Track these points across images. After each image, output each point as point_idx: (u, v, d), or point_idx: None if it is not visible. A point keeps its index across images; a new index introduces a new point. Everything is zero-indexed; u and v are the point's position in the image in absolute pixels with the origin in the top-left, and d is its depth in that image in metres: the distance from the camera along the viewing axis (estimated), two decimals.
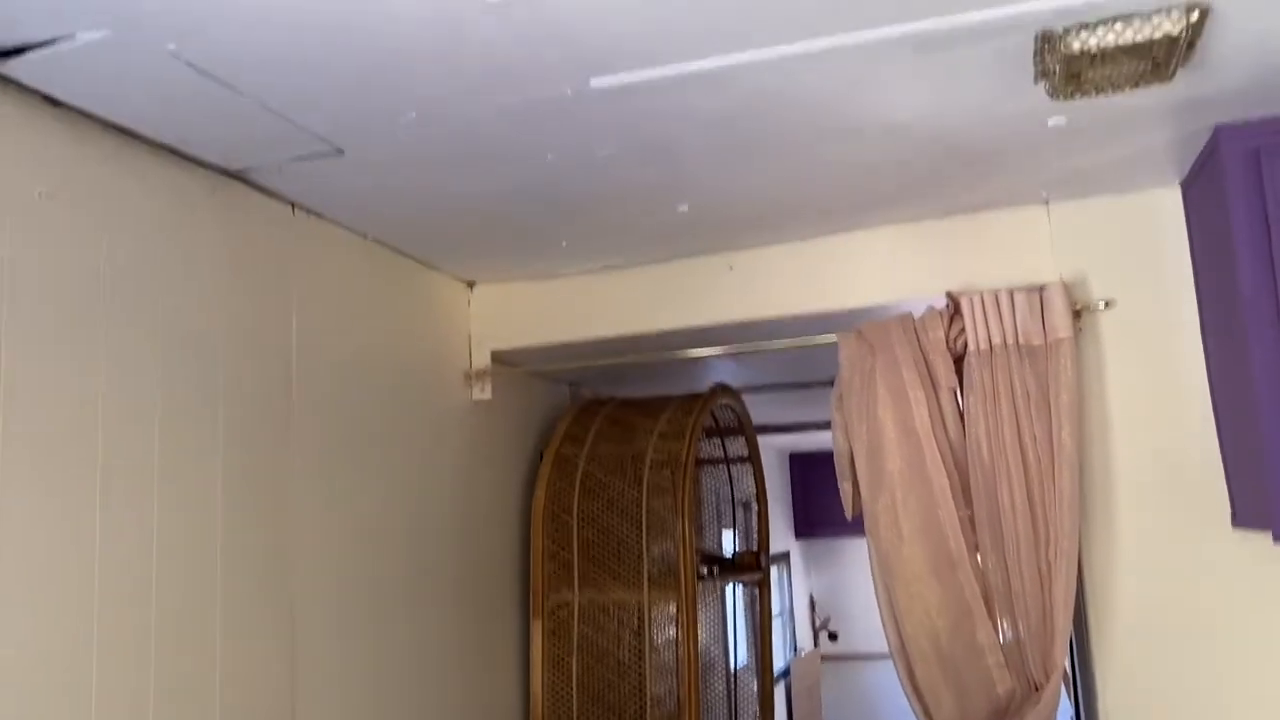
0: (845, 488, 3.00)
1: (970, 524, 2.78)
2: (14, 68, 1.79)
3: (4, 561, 1.75)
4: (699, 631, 3.55)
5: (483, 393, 3.44)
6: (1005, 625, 2.74)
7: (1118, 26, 1.81)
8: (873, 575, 2.91)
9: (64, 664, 1.85)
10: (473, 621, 3.35)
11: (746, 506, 4.84)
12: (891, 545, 2.84)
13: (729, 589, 4.36)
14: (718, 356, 3.44)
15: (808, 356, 3.96)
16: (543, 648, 3.56)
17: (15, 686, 1.75)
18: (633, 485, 3.64)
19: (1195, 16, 1.79)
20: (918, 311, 2.96)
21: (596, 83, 1.98)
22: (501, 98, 2.03)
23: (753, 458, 4.43)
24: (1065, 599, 2.64)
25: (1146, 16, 1.80)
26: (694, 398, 3.88)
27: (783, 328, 3.27)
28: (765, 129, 2.26)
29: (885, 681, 8.51)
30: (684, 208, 2.76)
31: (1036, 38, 1.87)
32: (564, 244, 3.06)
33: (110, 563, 1.96)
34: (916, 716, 2.79)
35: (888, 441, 2.85)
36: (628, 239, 3.03)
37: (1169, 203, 2.82)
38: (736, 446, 4.48)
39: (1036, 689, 2.68)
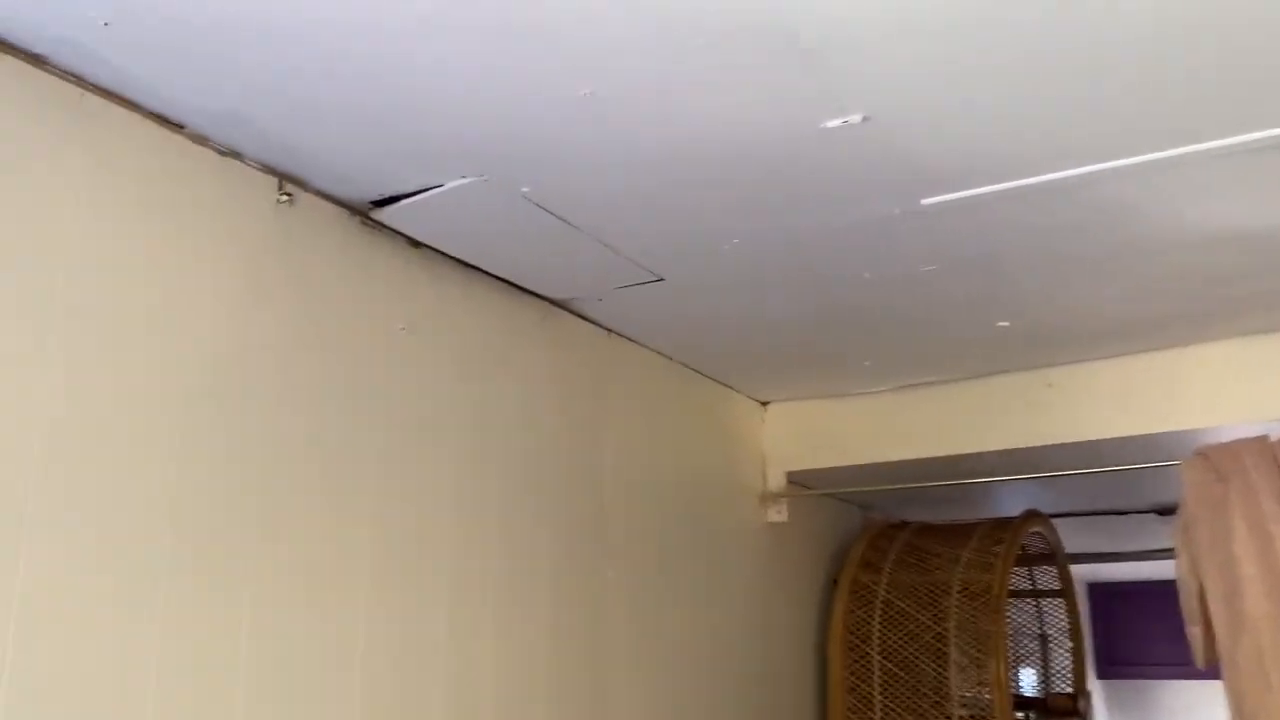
0: (1194, 631, 2.67)
1: None
2: (387, 215, 1.97)
3: (351, 667, 1.83)
4: None
5: (779, 515, 3.37)
6: None
7: None
8: None
9: None
10: None
11: (1044, 641, 4.45)
12: (1257, 697, 2.48)
13: None
14: (1036, 479, 3.22)
15: (1121, 482, 3.64)
16: None
17: None
18: (937, 618, 3.42)
19: None
20: (1273, 434, 2.64)
21: (928, 201, 1.94)
22: (827, 219, 2.02)
23: (1065, 590, 4.08)
24: None
25: None
26: (1002, 524, 3.63)
27: (1101, 449, 3.02)
28: (1107, 240, 2.12)
29: None
30: (1004, 323, 2.63)
31: None
32: (867, 363, 2.99)
33: (446, 675, 2.02)
34: None
35: (1246, 580, 2.52)
36: (937, 356, 2.92)
37: None
38: (1044, 577, 4.14)
39: None
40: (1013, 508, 3.85)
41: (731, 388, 3.30)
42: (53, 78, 1.49)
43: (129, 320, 1.54)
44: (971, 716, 3.26)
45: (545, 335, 2.46)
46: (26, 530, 1.37)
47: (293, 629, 1.73)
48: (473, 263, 2.22)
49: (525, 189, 1.88)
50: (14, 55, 1.44)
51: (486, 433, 2.23)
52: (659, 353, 2.92)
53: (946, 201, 1.94)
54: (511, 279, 2.32)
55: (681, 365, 3.03)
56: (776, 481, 3.39)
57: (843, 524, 3.97)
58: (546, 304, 2.47)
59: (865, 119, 1.63)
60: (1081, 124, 1.66)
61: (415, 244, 2.09)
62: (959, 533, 3.66)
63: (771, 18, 1.37)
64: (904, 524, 3.86)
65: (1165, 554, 4.48)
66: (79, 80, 1.51)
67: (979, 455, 3.15)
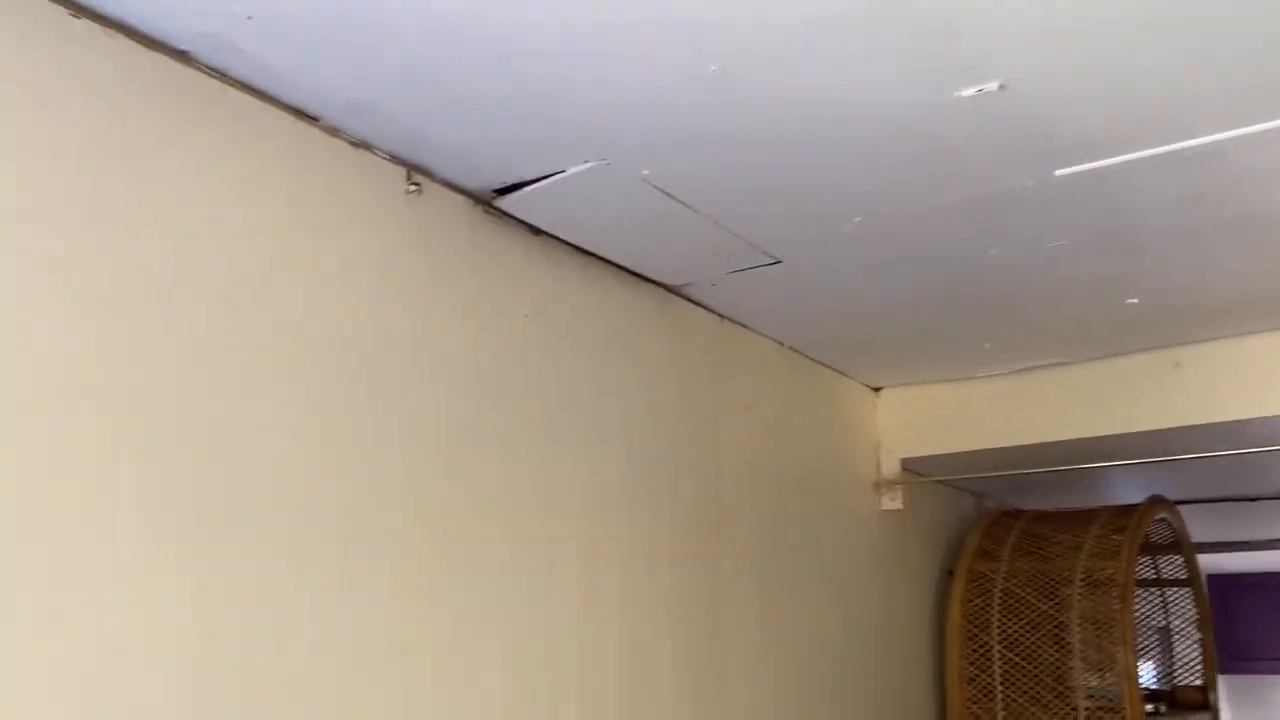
0: None
1: None
2: (509, 202, 1.98)
3: (485, 649, 1.85)
4: None
5: (894, 502, 3.31)
6: None
7: None
8: None
9: None
10: None
11: (1166, 633, 4.29)
12: None
13: None
14: (1163, 463, 3.10)
15: (1249, 466, 3.50)
16: None
17: None
18: (1059, 607, 3.32)
19: None
20: None
21: (1061, 172, 1.87)
22: (955, 194, 1.97)
23: (1192, 579, 3.92)
24: None
25: None
26: (1124, 511, 3.51)
27: (1229, 432, 2.89)
28: (1242, 210, 2.02)
29: None
30: (1133, 300, 2.53)
31: None
32: (987, 345, 2.92)
33: (578, 657, 2.03)
34: None
35: None
36: (1061, 337, 2.83)
37: None
38: (1169, 567, 4.00)
39: None
40: (1130, 495, 3.71)
41: (843, 373, 3.25)
42: (197, 73, 1.53)
43: (273, 311, 1.58)
44: (1098, 708, 3.16)
45: (662, 322, 2.45)
46: (197, 529, 1.41)
47: (433, 608, 1.75)
48: (591, 249, 2.22)
49: (646, 172, 1.87)
50: (160, 51, 1.49)
51: (607, 419, 2.23)
52: (771, 338, 2.89)
53: (1080, 172, 1.87)
54: (628, 265, 2.32)
55: (792, 351, 2.99)
56: (891, 468, 3.33)
57: (956, 512, 3.89)
58: (662, 290, 2.46)
59: (1001, 87, 1.58)
60: (1218, 90, 1.59)
61: (535, 231, 2.10)
62: (1079, 520, 3.54)
63: None
64: (1020, 512, 3.76)
65: None
66: (220, 75, 1.55)
67: (1101, 439, 3.04)
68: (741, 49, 1.48)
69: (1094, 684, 3.23)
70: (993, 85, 1.58)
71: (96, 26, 1.41)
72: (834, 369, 3.20)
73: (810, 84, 1.58)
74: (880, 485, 3.33)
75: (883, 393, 3.41)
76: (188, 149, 1.51)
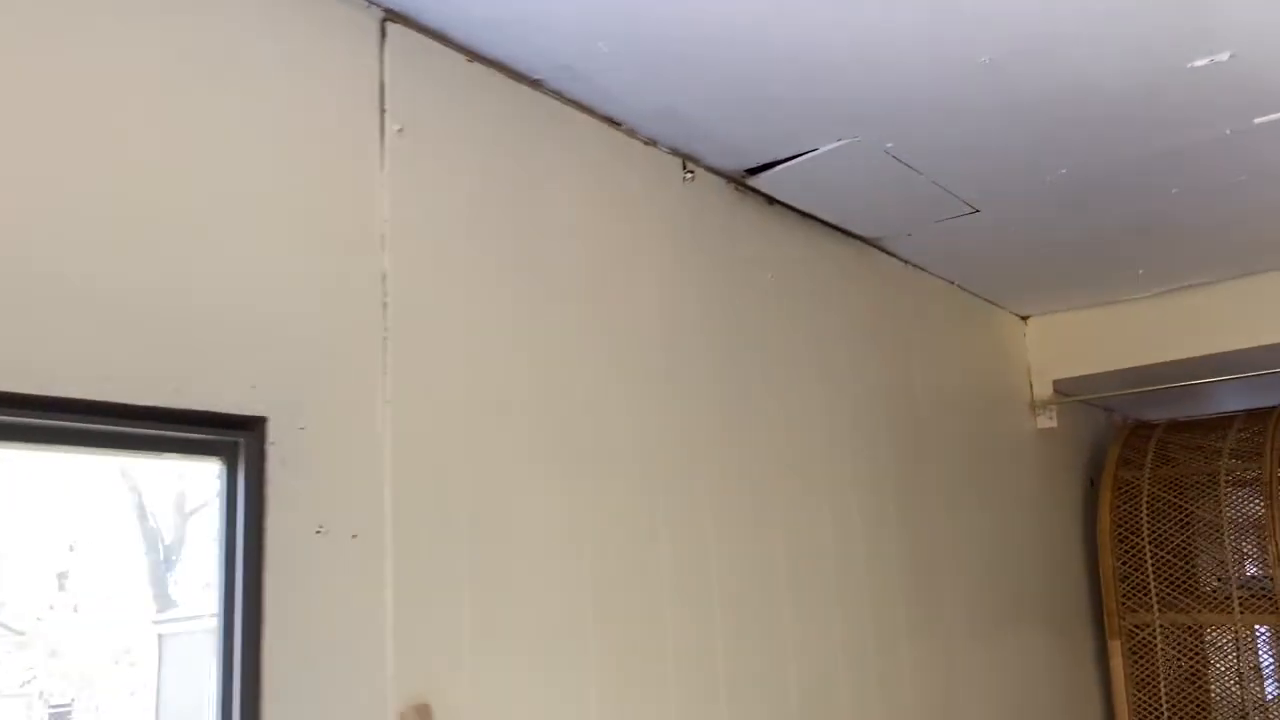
0: None
1: None
2: (760, 180, 2.25)
3: (776, 552, 2.17)
4: None
5: (1049, 420, 3.58)
6: None
7: None
8: None
9: (762, 632, 2.25)
10: (1057, 639, 3.48)
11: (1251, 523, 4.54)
12: None
13: None
14: None
15: None
16: (1124, 669, 3.60)
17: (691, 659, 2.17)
18: (1206, 507, 3.60)
19: None
20: None
21: (1260, 120, 2.10)
22: (1159, 143, 2.21)
23: None
24: None
25: None
26: (1258, 415, 3.75)
27: None
28: None
29: None
30: None
31: None
32: (1141, 271, 3.15)
33: (835, 556, 2.35)
34: None
35: None
36: (1211, 259, 3.06)
37: None
38: None
39: None
40: (1247, 403, 3.95)
41: (996, 304, 3.50)
42: (546, 97, 1.81)
43: (602, 294, 1.88)
44: (1251, 595, 3.44)
45: (861, 270, 2.72)
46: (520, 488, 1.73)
47: (738, 522, 2.07)
48: (814, 213, 2.49)
49: (889, 145, 2.13)
50: (516, 79, 1.76)
51: (829, 362, 2.51)
52: (941, 278, 3.15)
53: (1275, 120, 2.11)
54: (838, 223, 2.59)
55: (956, 287, 3.25)
56: (1044, 391, 3.59)
57: (1092, 427, 4.15)
58: (860, 242, 2.72)
59: (1232, 56, 1.82)
60: None
61: (771, 201, 2.37)
62: (1214, 426, 3.79)
63: None
64: (1154, 423, 4.01)
65: None
66: (559, 96, 1.83)
67: (1230, 354, 3.28)
68: (1008, 37, 1.73)
69: (1249, 573, 3.51)
70: (1224, 56, 1.82)
71: (484, 68, 1.70)
72: (991, 301, 3.45)
73: (1070, 66, 1.82)
74: (1035, 405, 3.59)
75: (1030, 321, 3.66)
76: (549, 163, 1.80)
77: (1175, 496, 3.68)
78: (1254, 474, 3.54)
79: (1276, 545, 3.40)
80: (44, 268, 1.14)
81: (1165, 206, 2.60)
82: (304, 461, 1.34)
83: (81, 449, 1.19)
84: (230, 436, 1.28)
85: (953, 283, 3.21)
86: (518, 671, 1.56)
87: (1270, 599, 3.40)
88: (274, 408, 1.32)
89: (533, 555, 1.61)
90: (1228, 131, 2.15)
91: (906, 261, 2.94)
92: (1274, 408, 3.77)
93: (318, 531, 1.34)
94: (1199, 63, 1.83)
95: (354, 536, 1.38)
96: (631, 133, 2.00)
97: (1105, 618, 3.66)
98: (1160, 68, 1.85)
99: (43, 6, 1.19)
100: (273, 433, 1.31)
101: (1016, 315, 3.64)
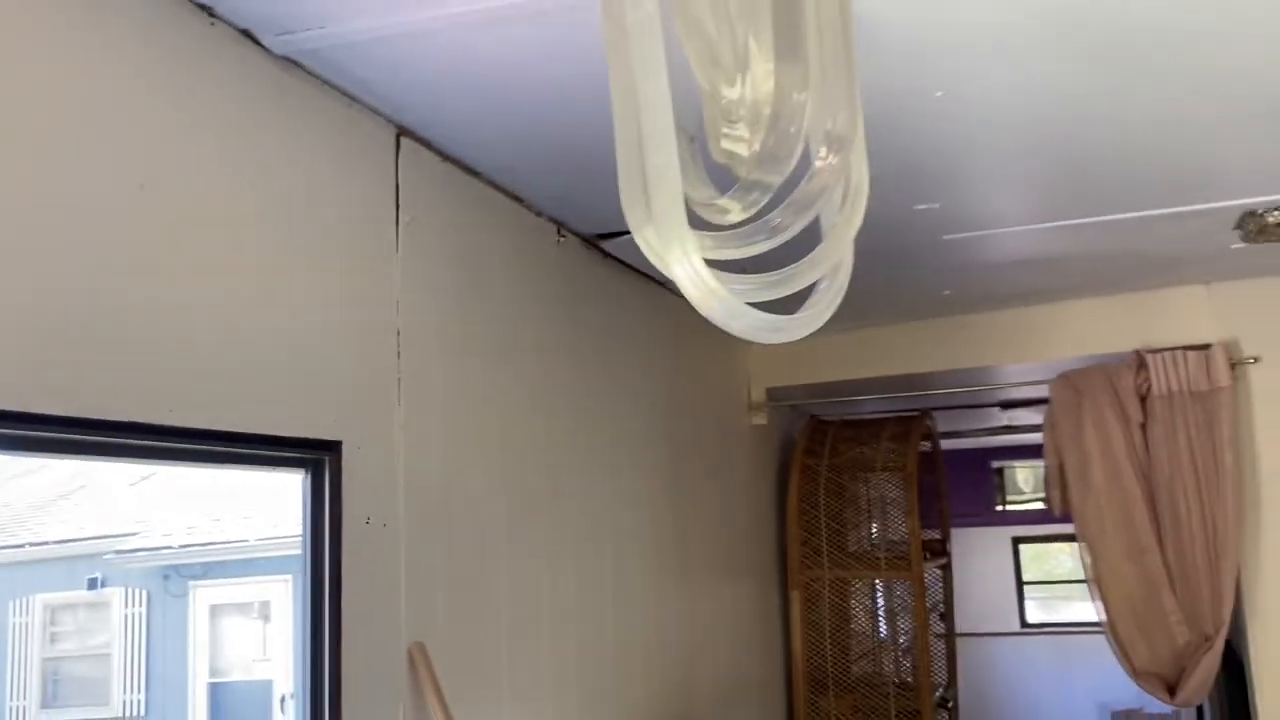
0: (1053, 494, 4.07)
1: (1156, 522, 3.84)
2: (609, 245, 2.91)
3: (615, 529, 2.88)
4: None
5: (761, 419, 4.54)
6: (1183, 595, 3.79)
7: None
8: (1081, 559, 3.98)
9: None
10: (758, 586, 4.47)
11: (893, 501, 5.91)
12: (1097, 537, 3.91)
13: None
14: (945, 395, 4.52)
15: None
16: (801, 613, 4.66)
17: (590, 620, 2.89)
18: (866, 488, 4.73)
19: None
20: (1111, 365, 4.00)
21: (946, 236, 3.06)
22: (880, 243, 3.11)
23: (938, 465, 5.50)
24: (1229, 576, 3.69)
25: None
26: (904, 419, 4.95)
27: (989, 374, 4.35)
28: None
29: (993, 658, 9.47)
30: (948, 292, 3.83)
31: (1242, 214, 2.91)
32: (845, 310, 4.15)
33: (618, 525, 3.09)
34: (1119, 661, 3.86)
35: (1093, 461, 3.91)
36: (895, 310, 4.11)
37: None
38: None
39: (1207, 639, 3.73)
40: (903, 407, 5.19)
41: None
42: (491, 189, 2.37)
43: (520, 339, 2.47)
44: (893, 555, 4.61)
45: (655, 307, 3.46)
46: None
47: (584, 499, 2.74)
48: (646, 270, 3.19)
49: None
50: (479, 179, 2.31)
51: (627, 378, 3.23)
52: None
53: (958, 237, 3.08)
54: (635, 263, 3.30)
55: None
56: (759, 395, 4.54)
57: (789, 425, 5.20)
58: (659, 286, 3.46)
59: (941, 205, 2.72)
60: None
61: (605, 256, 3.04)
62: (874, 425, 4.96)
63: None
64: (830, 421, 5.13)
65: (1001, 432, 6.00)
66: (500, 188, 2.39)
67: (896, 376, 4.41)
68: None
69: (886, 538, 4.68)
70: (936, 205, 2.72)
71: (460, 171, 2.23)
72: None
73: None
74: (752, 407, 4.54)
75: (753, 344, 4.58)
76: (494, 241, 2.36)
77: (842, 479, 4.78)
78: (900, 463, 4.71)
79: (912, 519, 4.58)
80: (214, 340, 1.60)
81: (870, 276, 3.54)
82: (359, 472, 1.85)
83: (230, 465, 1.66)
84: (319, 455, 1.78)
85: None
86: (483, 621, 2.16)
87: (905, 558, 4.58)
88: (346, 432, 1.82)
89: (487, 533, 2.20)
90: (925, 241, 3.10)
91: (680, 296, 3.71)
92: (918, 413, 4.99)
93: (366, 522, 1.86)
94: (920, 207, 2.73)
95: (384, 525, 1.91)
96: (540, 213, 2.59)
97: (789, 573, 4.70)
98: (895, 210, 2.72)
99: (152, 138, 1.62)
100: (345, 452, 1.82)
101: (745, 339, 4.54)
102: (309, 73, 1.82)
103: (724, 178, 1.19)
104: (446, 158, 2.23)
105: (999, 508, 9.14)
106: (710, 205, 1.15)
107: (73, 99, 1.39)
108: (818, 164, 1.10)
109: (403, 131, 2.07)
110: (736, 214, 1.13)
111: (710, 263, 1.13)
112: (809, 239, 1.20)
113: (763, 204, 1.13)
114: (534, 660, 2.43)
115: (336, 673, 1.74)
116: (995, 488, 9.10)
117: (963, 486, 8.84)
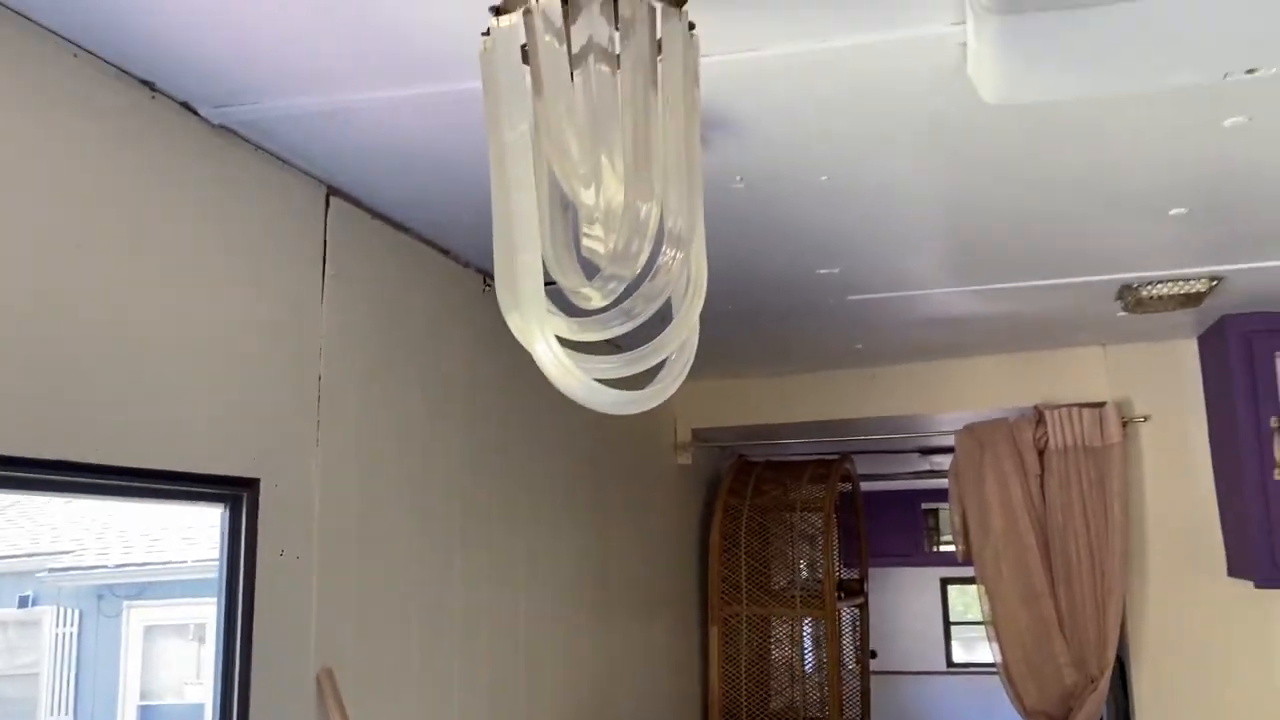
0: (958, 541, 4.29)
1: (1049, 569, 4.07)
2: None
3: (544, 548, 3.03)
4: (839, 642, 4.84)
5: (686, 459, 4.73)
6: (1072, 638, 4.02)
7: (1169, 285, 3.11)
8: (980, 601, 4.20)
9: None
10: (676, 623, 4.63)
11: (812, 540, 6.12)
12: (994, 581, 4.13)
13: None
14: (861, 440, 4.74)
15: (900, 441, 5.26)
16: (719, 648, 4.83)
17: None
18: (785, 527, 4.93)
19: (1215, 282, 3.08)
20: (1012, 418, 4.25)
21: (851, 297, 3.28)
22: (795, 301, 3.32)
23: (857, 506, 5.72)
24: (1114, 621, 3.93)
25: (1187, 280, 3.09)
26: (825, 462, 5.16)
27: (905, 422, 4.58)
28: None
29: (916, 695, 9.74)
30: (859, 346, 4.05)
31: (1120, 287, 3.16)
32: (758, 360, 4.36)
33: (541, 553, 3.24)
34: (1011, 700, 4.08)
35: (993, 510, 4.14)
36: (814, 359, 4.33)
37: (1189, 349, 4.12)
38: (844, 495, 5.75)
39: (1093, 681, 3.96)
40: (811, 452, 5.40)
41: None
42: (420, 243, 2.54)
43: (447, 380, 2.63)
44: (809, 594, 4.80)
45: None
46: None
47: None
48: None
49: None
50: (404, 232, 2.48)
51: (549, 421, 3.40)
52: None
53: (860, 298, 3.30)
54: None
55: None
56: (685, 436, 4.73)
57: (714, 464, 5.39)
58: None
59: (841, 270, 2.94)
60: None
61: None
62: (796, 467, 5.16)
63: None
64: (755, 461, 5.32)
65: (926, 476, 6.23)
66: (428, 241, 2.56)
67: (814, 423, 4.63)
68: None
69: (805, 577, 4.87)
70: (836, 269, 2.93)
71: (385, 226, 2.40)
72: None
73: (744, 278, 2.85)
74: (678, 447, 4.72)
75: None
76: (418, 294, 2.53)
77: (764, 518, 4.98)
78: (819, 504, 4.92)
79: (829, 560, 4.78)
80: (149, 387, 1.75)
81: (782, 329, 3.76)
82: (275, 507, 2.00)
83: (153, 500, 1.80)
84: (238, 491, 1.92)
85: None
86: (392, 648, 2.30)
87: (820, 596, 4.77)
88: (264, 471, 1.97)
89: (401, 567, 2.35)
90: (831, 301, 3.32)
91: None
92: (838, 456, 5.20)
93: (281, 554, 2.01)
94: (822, 271, 2.94)
95: (297, 557, 2.06)
96: (467, 264, 2.77)
97: (709, 609, 4.87)
98: (798, 272, 2.93)
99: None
100: (263, 489, 1.96)
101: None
102: (244, 139, 1.98)
103: (593, 267, 1.37)
104: (375, 214, 2.40)
105: (930, 549, 9.41)
106: (577, 293, 1.33)
107: (11, 161, 1.54)
108: (663, 260, 1.29)
109: (333, 191, 2.24)
110: (598, 300, 1.31)
111: (582, 345, 1.31)
112: (665, 318, 1.38)
113: (619, 293, 1.31)
114: (444, 688, 2.58)
115: (245, 697, 1.88)
116: (926, 529, 9.37)
117: (894, 527, 9.11)
